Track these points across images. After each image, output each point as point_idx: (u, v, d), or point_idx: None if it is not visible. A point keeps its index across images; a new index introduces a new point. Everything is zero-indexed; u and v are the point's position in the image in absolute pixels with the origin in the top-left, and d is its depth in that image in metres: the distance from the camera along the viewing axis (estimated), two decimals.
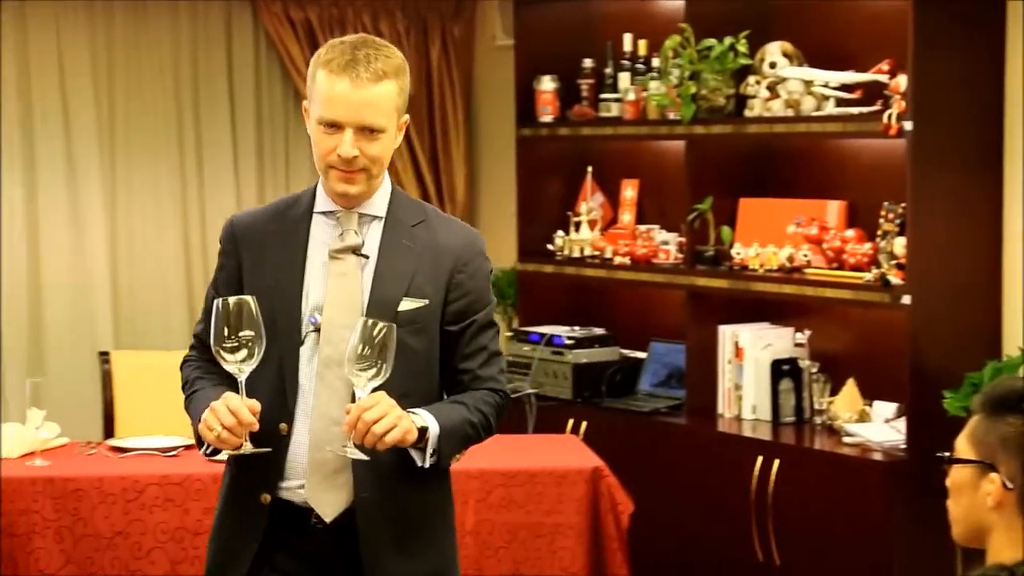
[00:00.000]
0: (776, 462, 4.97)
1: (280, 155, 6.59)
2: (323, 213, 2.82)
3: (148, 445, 4.53)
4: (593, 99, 5.98)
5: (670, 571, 5.23)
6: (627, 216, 6.08)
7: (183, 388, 2.89)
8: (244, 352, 2.66)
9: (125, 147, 6.22)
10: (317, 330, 2.76)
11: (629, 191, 6.10)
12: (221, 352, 2.67)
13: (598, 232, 6.02)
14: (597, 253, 5.95)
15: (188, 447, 4.52)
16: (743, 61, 5.38)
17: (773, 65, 5.33)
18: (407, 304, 2.77)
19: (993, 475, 2.26)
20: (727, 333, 5.50)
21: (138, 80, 6.23)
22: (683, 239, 5.64)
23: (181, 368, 2.93)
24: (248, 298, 2.69)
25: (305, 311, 2.77)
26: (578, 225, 6.04)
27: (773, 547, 4.99)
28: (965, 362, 4.85)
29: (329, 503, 2.77)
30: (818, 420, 5.29)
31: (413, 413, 2.68)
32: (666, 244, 5.76)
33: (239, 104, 6.52)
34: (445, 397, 2.87)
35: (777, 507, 4.96)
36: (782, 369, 5.37)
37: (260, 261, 2.82)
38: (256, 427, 2.63)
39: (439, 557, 2.89)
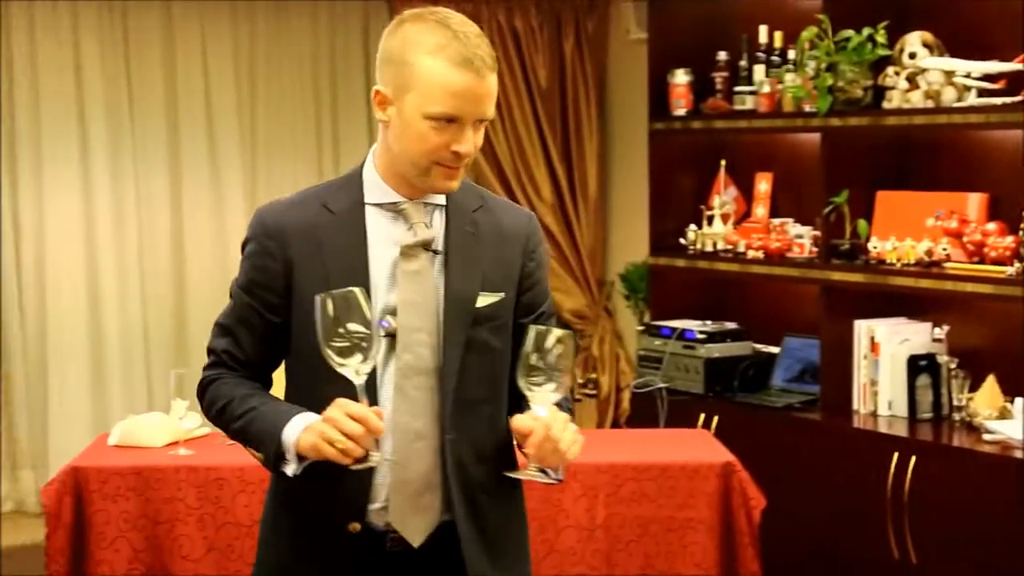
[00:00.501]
0: (913, 459, 4.93)
1: None
2: (377, 205, 2.49)
3: None
4: (727, 92, 5.97)
5: (802, 568, 5.22)
6: (761, 210, 6.05)
7: (220, 409, 2.49)
8: (359, 354, 2.34)
9: (265, 143, 6.35)
10: (390, 335, 2.45)
11: (763, 184, 6.07)
12: (332, 355, 2.34)
13: (731, 226, 6.01)
14: (730, 247, 5.94)
15: None
16: (881, 52, 5.34)
17: (913, 55, 5.30)
18: (484, 300, 2.51)
19: None
20: (863, 328, 5.45)
21: (278, 76, 6.37)
22: (818, 233, 5.60)
23: (205, 388, 2.53)
24: (355, 290, 2.35)
25: (374, 315, 2.41)
26: (711, 219, 6.03)
27: (909, 545, 4.94)
28: None
29: (416, 527, 2.49)
30: (957, 417, 5.24)
31: None
32: (800, 238, 5.74)
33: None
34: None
35: (914, 505, 4.91)
36: (919, 365, 5.31)
37: (316, 260, 2.46)
38: (383, 432, 2.33)
39: (526, 571, 2.68)
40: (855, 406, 5.45)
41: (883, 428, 5.22)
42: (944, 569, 4.83)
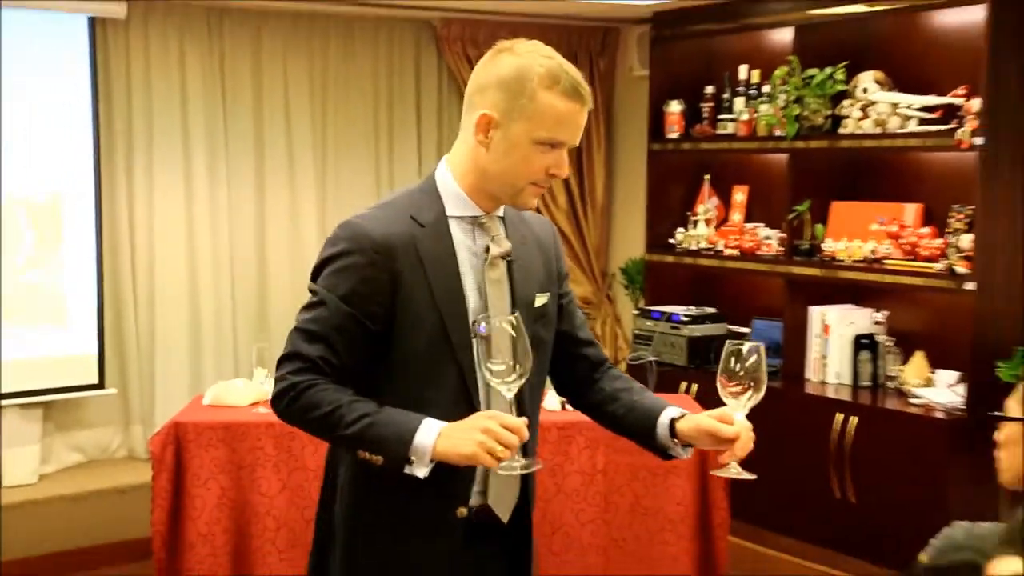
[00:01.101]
0: (854, 419, 4.96)
1: None
2: (458, 218, 2.29)
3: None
4: (712, 119, 5.96)
5: (763, 505, 5.20)
6: (737, 216, 6.05)
7: (325, 414, 2.18)
8: (515, 374, 2.17)
9: (334, 154, 6.31)
10: (484, 338, 2.21)
11: (739, 195, 6.07)
12: (490, 375, 2.18)
13: (712, 229, 6.00)
14: (711, 246, 5.94)
15: None
16: (840, 87, 5.33)
17: (866, 90, 5.29)
18: (540, 300, 2.36)
19: None
20: (817, 313, 5.47)
21: (345, 101, 6.32)
22: (783, 235, 5.59)
23: (301, 393, 2.20)
24: (517, 315, 2.20)
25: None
26: (696, 223, 6.03)
27: (849, 488, 4.97)
28: (1017, 338, 4.81)
29: (506, 506, 2.36)
30: (890, 385, 5.28)
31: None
32: (768, 239, 5.73)
33: (424, 123, 6.57)
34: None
35: (853, 456, 4.94)
36: (862, 343, 5.35)
37: (418, 271, 2.22)
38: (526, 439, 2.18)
39: None
40: (808, 376, 5.48)
41: (831, 394, 5.24)
42: (876, 507, 4.86)
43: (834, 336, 5.36)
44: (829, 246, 5.36)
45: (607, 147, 6.81)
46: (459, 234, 2.29)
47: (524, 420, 2.17)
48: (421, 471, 2.15)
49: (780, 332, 5.59)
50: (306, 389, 2.19)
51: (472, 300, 2.27)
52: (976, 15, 4.82)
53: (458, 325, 2.25)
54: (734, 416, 2.27)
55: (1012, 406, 2.34)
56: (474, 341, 2.23)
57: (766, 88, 5.64)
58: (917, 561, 2.39)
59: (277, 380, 2.24)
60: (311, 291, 2.26)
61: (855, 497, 4.93)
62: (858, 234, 5.29)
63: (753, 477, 2.28)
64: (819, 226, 5.46)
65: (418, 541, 2.30)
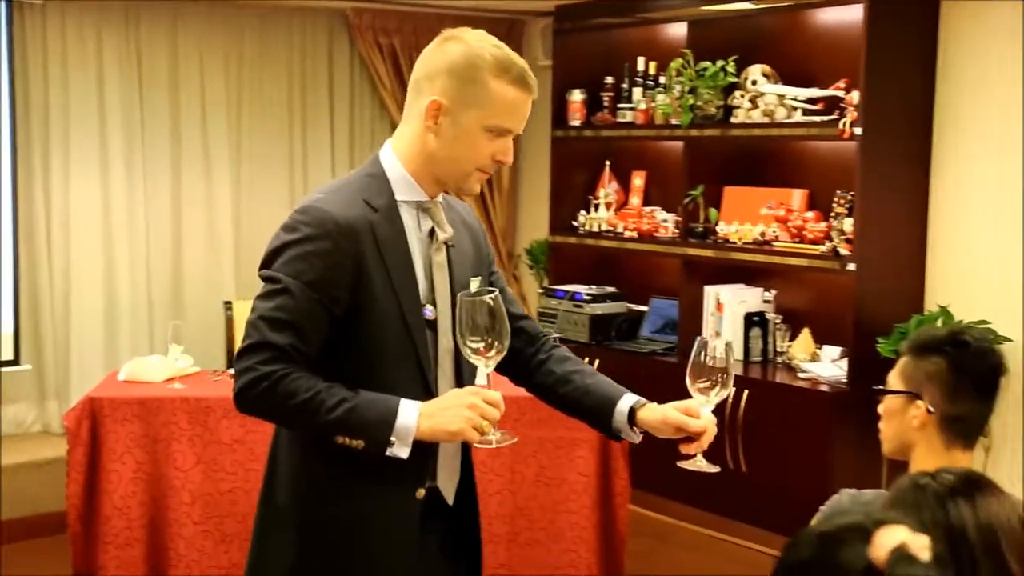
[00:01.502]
0: (745, 392, 4.99)
1: (367, 150, 6.58)
2: (405, 203, 2.21)
3: None
4: (612, 108, 5.97)
5: (663, 475, 5.19)
6: (636, 200, 6.07)
7: (303, 402, 2.07)
8: (495, 350, 2.13)
9: (249, 141, 6.24)
10: (430, 322, 2.20)
11: (638, 180, 6.09)
12: (469, 350, 2.14)
13: (613, 212, 6.02)
14: (611, 228, 5.95)
15: None
16: (731, 79, 5.36)
17: (755, 82, 5.33)
18: (474, 284, 2.28)
19: (919, 402, 2.32)
20: (711, 292, 5.50)
21: (260, 89, 6.25)
22: (679, 218, 5.62)
23: (276, 382, 2.06)
24: (496, 294, 2.15)
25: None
26: (597, 206, 6.04)
27: (741, 457, 5.00)
28: (895, 315, 4.88)
29: (451, 488, 2.30)
30: (779, 360, 5.33)
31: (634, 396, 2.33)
32: (665, 222, 5.76)
33: (337, 110, 6.51)
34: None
35: (746, 428, 4.98)
36: (753, 320, 5.40)
37: (377, 255, 2.14)
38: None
39: None
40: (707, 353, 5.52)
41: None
42: (767, 476, 4.90)
43: (727, 314, 5.40)
44: (722, 229, 5.40)
45: None
46: (408, 219, 2.22)
47: (500, 393, 2.12)
48: (403, 452, 2.08)
49: (676, 310, 5.62)
50: (281, 378, 2.07)
51: (421, 283, 2.21)
52: (855, 13, 4.87)
53: (413, 308, 2.18)
54: (700, 410, 2.26)
55: (892, 380, 2.38)
56: (455, 319, 2.16)
57: (662, 79, 5.66)
58: (807, 528, 2.41)
59: (244, 371, 2.09)
60: (269, 279, 2.12)
61: (747, 467, 4.97)
62: (749, 217, 5.33)
63: (717, 469, 2.31)
64: (712, 210, 5.50)
65: (376, 524, 2.20)
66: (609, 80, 5.97)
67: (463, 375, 2.26)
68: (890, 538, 1.20)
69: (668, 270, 5.76)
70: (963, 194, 4.95)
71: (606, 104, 5.96)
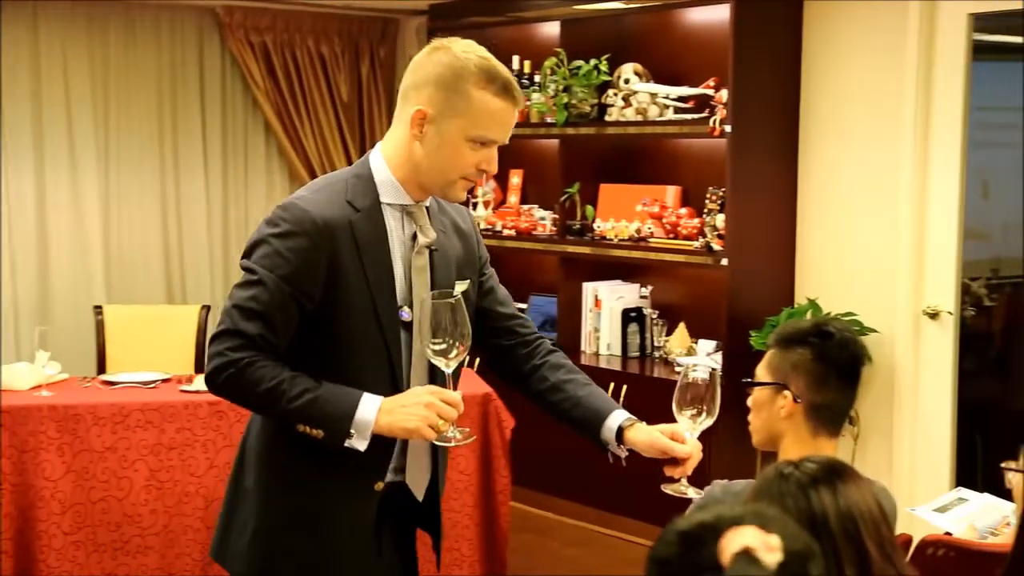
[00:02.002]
0: (624, 387, 5.03)
1: (240, 149, 6.49)
2: (390, 205, 2.24)
3: (132, 379, 4.47)
4: None
5: (544, 471, 5.27)
6: (513, 198, 6.10)
7: (268, 390, 2.14)
8: (456, 350, 2.16)
9: (117, 143, 6.11)
10: (406, 325, 2.24)
11: (515, 179, 6.13)
12: (432, 352, 2.17)
13: (491, 210, 6.03)
14: (490, 226, 5.96)
15: (165, 380, 4.47)
16: (604, 78, 5.41)
17: (627, 81, 5.38)
18: (459, 287, 2.30)
19: (786, 392, 2.36)
20: (589, 289, 5.54)
21: (127, 90, 6.12)
22: (556, 216, 5.66)
23: (243, 369, 2.14)
24: (460, 297, 2.19)
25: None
26: (475, 205, 6.05)
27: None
28: (767, 309, 4.96)
29: (420, 485, 2.38)
30: (657, 355, 5.40)
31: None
32: (543, 219, 5.80)
33: (208, 109, 6.40)
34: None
35: None
36: (630, 316, 5.45)
37: (356, 256, 2.19)
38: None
39: None
40: (583, 347, 5.55)
41: (603, 364, 5.32)
42: (644, 468, 4.87)
43: (605, 310, 5.45)
44: (598, 226, 5.45)
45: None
46: (391, 221, 2.25)
47: (459, 393, 2.18)
48: (361, 445, 2.15)
49: (555, 307, 5.65)
50: (248, 365, 2.14)
51: (398, 285, 2.25)
52: (722, 13, 4.96)
53: (387, 307, 2.22)
54: (685, 435, 2.32)
55: (760, 372, 2.43)
56: (417, 321, 2.21)
57: (537, 78, 5.69)
58: (671, 525, 2.46)
59: (214, 355, 2.17)
60: (247, 269, 2.19)
61: (625, 460, 5.00)
62: (624, 214, 5.39)
63: (701, 494, 2.35)
64: (589, 207, 5.55)
65: (334, 513, 2.27)
66: None
67: (436, 378, 2.29)
68: (736, 540, 1.23)
69: (546, 267, 5.79)
70: (830, 188, 5.07)
71: None
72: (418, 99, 2.20)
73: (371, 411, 2.14)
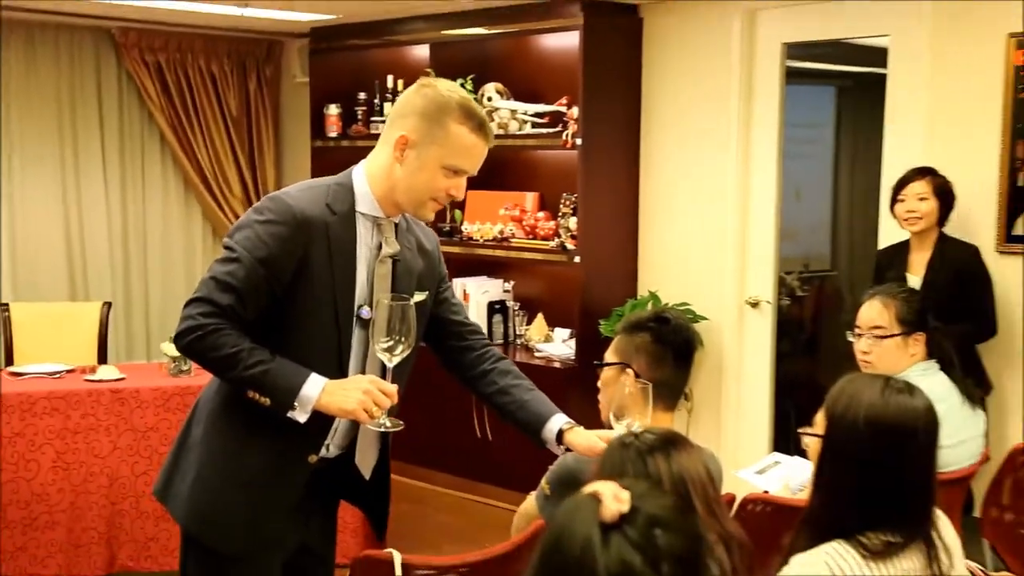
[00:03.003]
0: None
1: (137, 158, 6.35)
2: (363, 215, 2.26)
3: (38, 370, 4.37)
4: (366, 120, 5.94)
5: (421, 446, 5.26)
6: None
7: (227, 355, 2.17)
8: (401, 347, 2.21)
9: (21, 151, 5.90)
10: (364, 323, 2.26)
11: None
12: (380, 346, 2.20)
13: None
14: None
15: (70, 371, 4.37)
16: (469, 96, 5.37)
17: (490, 99, 5.38)
18: (418, 297, 2.32)
19: (629, 371, 2.40)
20: (459, 284, 5.50)
21: (28, 103, 5.92)
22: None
23: (208, 333, 2.16)
24: (412, 302, 2.23)
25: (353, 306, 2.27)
26: None
27: (488, 428, 5.06)
28: (614, 300, 5.03)
29: (368, 465, 2.42)
30: (519, 341, 5.42)
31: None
32: None
33: (107, 124, 6.23)
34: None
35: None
36: (495, 308, 5.47)
37: (326, 253, 2.21)
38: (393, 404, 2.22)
39: None
40: None
41: None
42: (507, 441, 4.89)
43: (473, 303, 5.45)
44: (466, 228, 5.46)
45: (276, 144, 6.71)
46: (362, 229, 2.27)
47: (396, 386, 2.20)
48: (302, 417, 2.17)
49: None
50: (213, 331, 2.15)
51: (359, 287, 2.26)
52: (572, 39, 5.01)
53: (346, 304, 2.24)
54: (612, 435, 2.25)
55: (608, 355, 2.50)
56: (355, 321, 2.24)
57: None
58: (541, 486, 2.52)
59: (185, 318, 2.18)
60: (228, 247, 2.20)
61: (492, 436, 5.04)
62: (489, 217, 5.41)
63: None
64: (457, 211, 5.56)
65: (268, 477, 2.28)
66: (362, 95, 5.94)
67: (387, 375, 2.30)
68: (595, 486, 1.26)
69: None
70: (667, 195, 5.17)
71: (360, 117, 5.93)
72: (402, 126, 2.24)
73: (315, 389, 2.16)
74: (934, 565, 1.91)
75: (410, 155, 2.23)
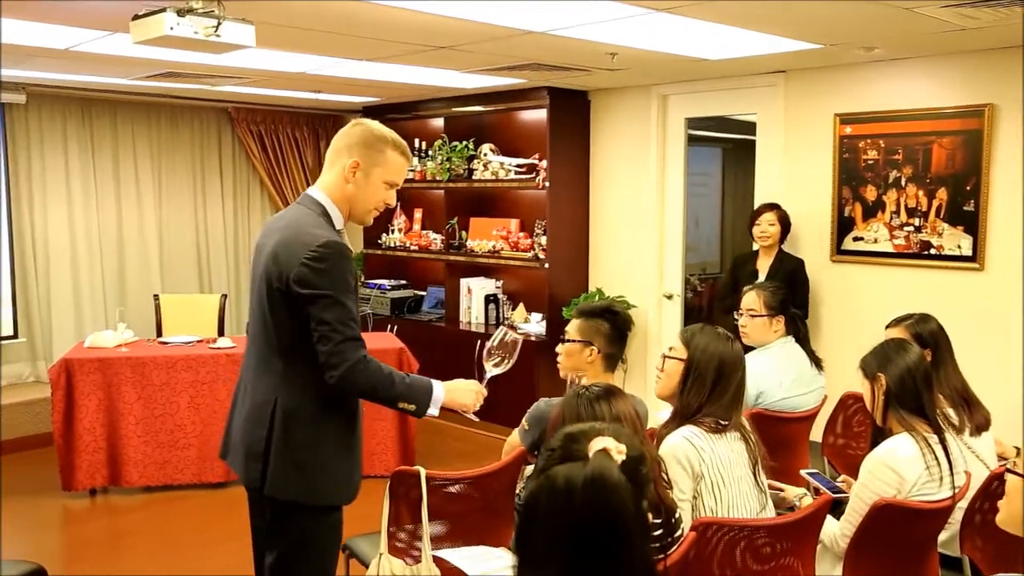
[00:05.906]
0: (479, 342, 4.95)
1: (244, 196, 6.30)
2: (338, 231, 2.04)
3: (178, 340, 4.37)
4: None
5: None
6: (417, 226, 6.02)
7: (388, 376, 1.93)
8: (505, 365, 2.13)
9: (167, 198, 5.84)
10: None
11: (418, 214, 6.04)
12: (489, 364, 2.11)
13: (403, 234, 5.94)
14: (402, 244, 5.87)
15: (199, 341, 4.37)
16: (471, 152, 5.39)
17: (486, 155, 5.37)
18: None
19: (592, 347, 2.38)
20: (464, 283, 5.51)
21: (172, 159, 5.87)
22: (443, 237, 5.60)
23: (370, 364, 1.91)
24: (522, 338, 2.15)
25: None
26: (393, 231, 5.96)
27: (484, 383, 5.00)
28: (571, 293, 5.02)
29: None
30: (506, 322, 5.33)
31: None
32: (435, 240, 5.71)
33: (225, 176, 6.15)
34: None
35: (479, 368, 4.90)
36: (489, 299, 5.41)
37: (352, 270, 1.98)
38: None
39: None
40: (461, 319, 5.47)
41: (473, 329, 5.25)
42: (497, 420, 4.86)
43: (474, 296, 5.41)
44: (470, 244, 5.41)
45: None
46: None
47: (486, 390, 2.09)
48: (435, 412, 2.00)
49: (444, 294, 5.59)
50: (371, 362, 1.91)
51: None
52: (541, 115, 5.01)
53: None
54: (482, 388, 2.11)
55: (571, 332, 2.49)
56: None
57: (430, 151, 5.62)
58: (522, 423, 2.51)
59: (361, 359, 1.90)
60: (326, 296, 1.88)
61: (488, 389, 4.94)
62: (485, 236, 5.38)
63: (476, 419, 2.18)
64: (463, 232, 5.51)
65: (359, 441, 2.06)
66: None
67: (483, 380, 2.18)
68: (599, 443, 1.23)
69: (437, 269, 5.74)
70: (608, 220, 5.13)
71: None
72: (351, 154, 2.03)
73: (441, 391, 2.01)
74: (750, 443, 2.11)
75: (359, 176, 2.02)
